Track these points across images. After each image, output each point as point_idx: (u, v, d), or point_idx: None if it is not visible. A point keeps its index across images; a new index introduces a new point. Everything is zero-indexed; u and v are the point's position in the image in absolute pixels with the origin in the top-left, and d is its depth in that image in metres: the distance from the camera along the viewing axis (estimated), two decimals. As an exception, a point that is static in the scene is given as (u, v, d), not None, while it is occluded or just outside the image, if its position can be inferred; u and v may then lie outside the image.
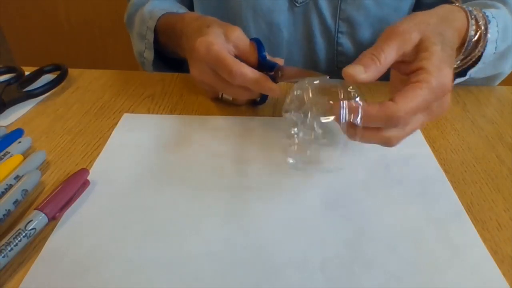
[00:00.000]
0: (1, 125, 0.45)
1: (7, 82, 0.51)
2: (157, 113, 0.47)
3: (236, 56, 0.42)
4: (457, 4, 0.41)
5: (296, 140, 0.37)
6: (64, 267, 0.29)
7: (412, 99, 0.32)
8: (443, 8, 0.39)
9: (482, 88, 0.53)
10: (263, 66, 0.42)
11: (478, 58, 0.43)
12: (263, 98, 0.46)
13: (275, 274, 0.29)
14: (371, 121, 0.33)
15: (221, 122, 0.46)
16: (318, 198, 0.35)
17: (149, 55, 0.56)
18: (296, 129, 0.36)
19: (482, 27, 0.40)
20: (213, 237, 0.32)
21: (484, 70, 0.46)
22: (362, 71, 0.33)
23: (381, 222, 0.33)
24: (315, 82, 0.36)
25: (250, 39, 0.43)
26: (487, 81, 0.53)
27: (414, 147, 0.41)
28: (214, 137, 0.43)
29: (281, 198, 0.35)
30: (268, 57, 0.43)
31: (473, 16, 0.39)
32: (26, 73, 0.54)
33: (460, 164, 0.40)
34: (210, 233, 0.32)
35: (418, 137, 0.43)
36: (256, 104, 0.48)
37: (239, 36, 0.43)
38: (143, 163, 0.39)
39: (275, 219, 0.33)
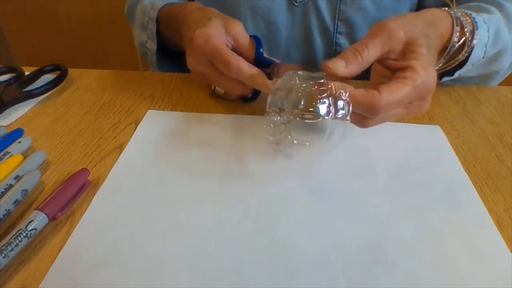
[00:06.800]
0: (1, 125, 0.45)
1: (7, 82, 0.51)
2: (157, 113, 0.47)
3: (234, 50, 0.42)
4: (446, 9, 0.41)
5: (281, 121, 0.37)
6: (85, 262, 0.30)
7: (396, 92, 0.34)
8: (431, 12, 0.40)
9: (482, 88, 0.53)
10: (259, 62, 0.43)
11: (465, 60, 0.43)
12: (255, 94, 0.47)
13: (296, 274, 0.29)
14: (354, 105, 0.33)
15: (245, 120, 0.45)
16: (340, 201, 0.35)
17: (152, 45, 0.56)
18: (280, 115, 0.37)
19: (467, 34, 0.41)
20: (234, 235, 0.32)
21: (474, 70, 0.48)
22: (343, 65, 0.34)
23: (403, 226, 0.32)
24: (300, 73, 0.37)
25: (250, 36, 0.44)
26: (483, 81, 0.53)
27: (439, 152, 0.41)
28: (237, 136, 0.43)
29: (303, 199, 0.35)
30: (266, 55, 0.44)
31: (458, 23, 0.40)
32: (26, 73, 0.54)
33: (460, 164, 0.39)
34: (230, 232, 0.32)
35: (442, 141, 0.42)
36: (247, 101, 0.48)
37: (240, 31, 0.43)
38: (166, 159, 0.40)
39: (296, 219, 0.33)
